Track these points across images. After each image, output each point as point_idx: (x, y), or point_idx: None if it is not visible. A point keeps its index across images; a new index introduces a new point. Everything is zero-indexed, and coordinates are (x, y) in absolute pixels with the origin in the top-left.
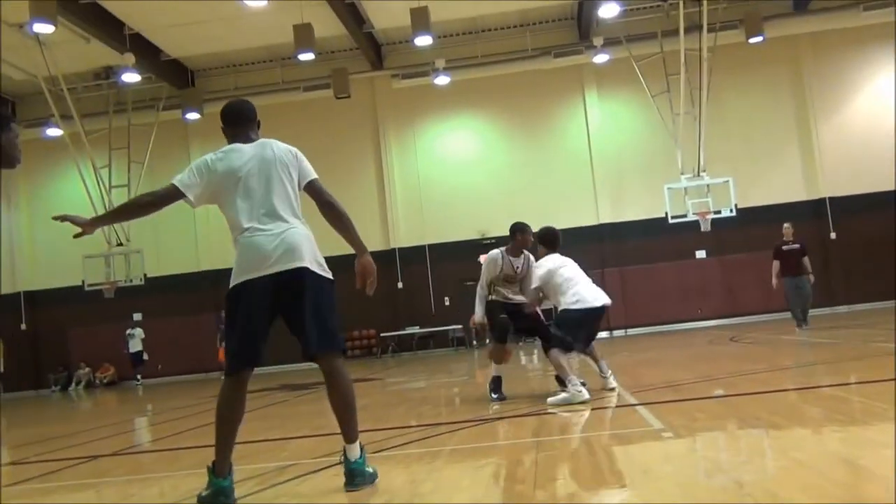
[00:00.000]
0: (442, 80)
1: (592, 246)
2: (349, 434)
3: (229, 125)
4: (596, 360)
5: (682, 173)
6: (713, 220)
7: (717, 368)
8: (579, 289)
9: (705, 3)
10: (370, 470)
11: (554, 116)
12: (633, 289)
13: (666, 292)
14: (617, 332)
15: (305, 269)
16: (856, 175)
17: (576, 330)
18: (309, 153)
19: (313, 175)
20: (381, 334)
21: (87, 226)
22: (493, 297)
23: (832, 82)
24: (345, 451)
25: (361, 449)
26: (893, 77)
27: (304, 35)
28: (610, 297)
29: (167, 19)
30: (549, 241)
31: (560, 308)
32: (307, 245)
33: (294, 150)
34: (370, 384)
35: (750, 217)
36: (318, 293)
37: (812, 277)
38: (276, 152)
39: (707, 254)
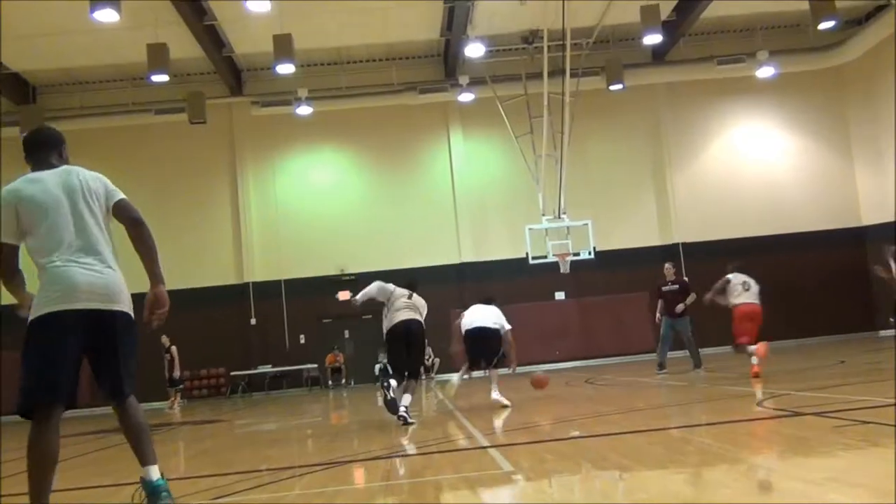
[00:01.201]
0: (304, 109)
1: (453, 285)
2: (149, 457)
3: (29, 153)
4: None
5: (544, 215)
6: (572, 263)
7: (571, 410)
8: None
9: (568, 48)
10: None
11: (418, 153)
12: None
13: (525, 333)
14: (475, 373)
15: (120, 313)
16: (706, 222)
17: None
18: (160, 180)
19: (119, 195)
20: (231, 373)
21: None
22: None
23: (687, 132)
24: (147, 473)
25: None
26: (744, 130)
27: (158, 55)
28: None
29: (9, 30)
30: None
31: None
32: (122, 285)
33: (100, 176)
34: (216, 426)
35: (608, 260)
36: (128, 337)
37: (687, 318)
38: (82, 180)
39: (566, 295)
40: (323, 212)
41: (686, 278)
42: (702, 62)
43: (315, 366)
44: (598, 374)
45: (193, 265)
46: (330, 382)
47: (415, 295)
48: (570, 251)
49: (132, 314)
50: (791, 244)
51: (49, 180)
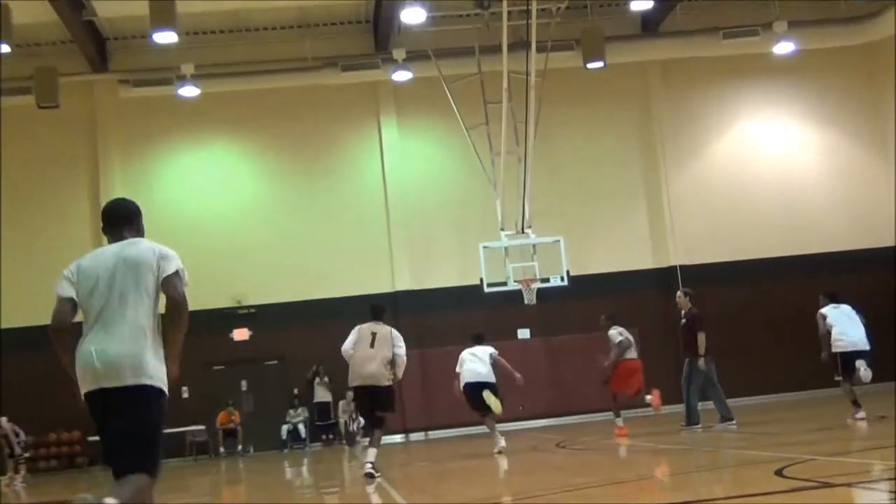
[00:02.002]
0: (189, 90)
1: (386, 321)
2: None
3: (104, 225)
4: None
5: (503, 229)
6: (540, 291)
7: (540, 483)
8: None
9: (534, 14)
10: None
11: (339, 148)
12: (436, 378)
13: None
14: (415, 435)
15: (125, 388)
16: (710, 239)
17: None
18: None
19: (170, 270)
20: (90, 438)
21: None
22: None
23: (686, 124)
24: None
25: None
26: (757, 121)
27: None
28: (406, 388)
29: None
30: None
31: None
32: (131, 355)
33: (158, 248)
34: None
35: (585, 288)
36: (137, 411)
37: (702, 361)
38: (136, 254)
39: (532, 333)
40: (214, 225)
41: (695, 310)
42: (704, 35)
43: (202, 427)
44: (574, 436)
45: (38, 296)
46: (222, 449)
47: (380, 332)
48: (537, 276)
49: (147, 381)
50: (815, 267)
51: (106, 252)
